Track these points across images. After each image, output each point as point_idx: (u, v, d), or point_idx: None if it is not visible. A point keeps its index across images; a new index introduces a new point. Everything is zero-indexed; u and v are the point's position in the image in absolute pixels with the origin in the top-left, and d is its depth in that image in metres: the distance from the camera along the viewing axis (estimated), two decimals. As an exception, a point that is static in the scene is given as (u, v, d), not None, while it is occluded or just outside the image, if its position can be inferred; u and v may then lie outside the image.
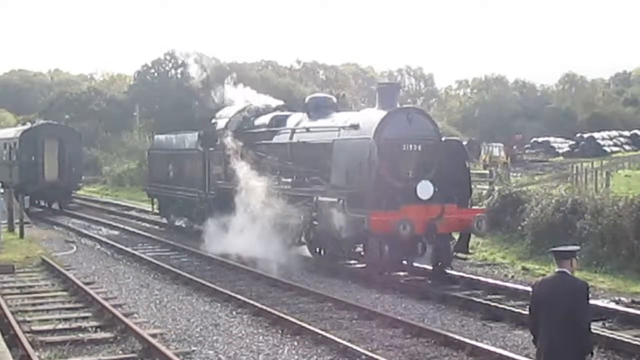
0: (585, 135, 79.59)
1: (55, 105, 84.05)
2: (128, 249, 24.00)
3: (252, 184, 21.87)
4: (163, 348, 11.72)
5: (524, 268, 20.06)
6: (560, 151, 77.93)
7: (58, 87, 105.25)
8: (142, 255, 22.58)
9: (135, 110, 76.40)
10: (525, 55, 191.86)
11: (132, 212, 37.46)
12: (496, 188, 27.75)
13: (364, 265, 19.66)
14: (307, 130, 21.41)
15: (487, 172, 43.89)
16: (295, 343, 12.60)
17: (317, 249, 20.67)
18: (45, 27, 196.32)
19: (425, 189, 17.92)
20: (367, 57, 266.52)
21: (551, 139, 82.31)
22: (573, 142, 79.66)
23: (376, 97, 19.54)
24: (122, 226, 31.37)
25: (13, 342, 11.83)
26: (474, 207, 19.41)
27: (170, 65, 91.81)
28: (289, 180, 21.68)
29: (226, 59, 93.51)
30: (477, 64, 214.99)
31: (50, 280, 18.83)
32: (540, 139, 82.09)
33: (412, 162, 18.38)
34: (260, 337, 13.02)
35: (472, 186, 20.46)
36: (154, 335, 12.70)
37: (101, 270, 20.65)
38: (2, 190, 25.27)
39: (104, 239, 26.93)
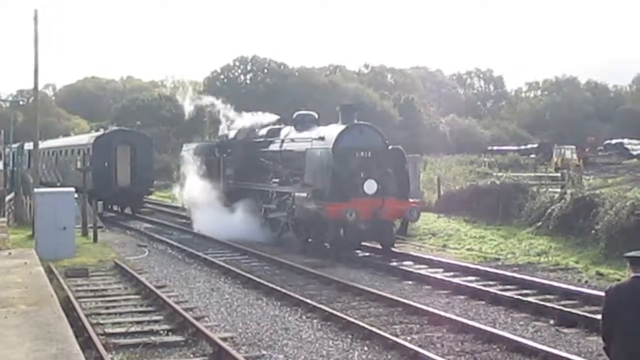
0: (661, 137, 77.83)
1: (127, 112, 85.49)
2: (199, 253, 24.21)
3: (252, 183, 28.56)
4: (233, 352, 11.80)
5: (598, 273, 19.65)
6: (635, 153, 76.25)
7: (130, 93, 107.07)
8: (213, 260, 22.76)
9: (205, 115, 77.06)
10: (598, 56, 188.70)
11: (203, 217, 37.71)
12: (568, 191, 27.33)
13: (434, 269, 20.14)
14: (292, 140, 26.60)
15: (558, 175, 43.21)
16: (366, 348, 12.55)
17: (300, 234, 24.96)
18: (117, 35, 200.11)
19: (370, 186, 22.92)
20: (435, 60, 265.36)
21: (625, 140, 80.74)
22: (648, 144, 77.96)
23: (339, 115, 24.39)
24: (193, 230, 31.68)
25: (87, 345, 12.00)
26: (410, 200, 23.77)
27: (239, 71, 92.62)
28: (278, 180, 27.02)
29: (294, 64, 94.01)
30: (548, 66, 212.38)
31: (122, 284, 19.13)
32: (613, 141, 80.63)
33: (363, 165, 23.34)
34: (330, 342, 13.00)
35: (414, 184, 26.57)
36: (224, 339, 12.80)
37: (172, 274, 20.91)
38: (76, 196, 25.71)
39: (175, 243, 27.18)
